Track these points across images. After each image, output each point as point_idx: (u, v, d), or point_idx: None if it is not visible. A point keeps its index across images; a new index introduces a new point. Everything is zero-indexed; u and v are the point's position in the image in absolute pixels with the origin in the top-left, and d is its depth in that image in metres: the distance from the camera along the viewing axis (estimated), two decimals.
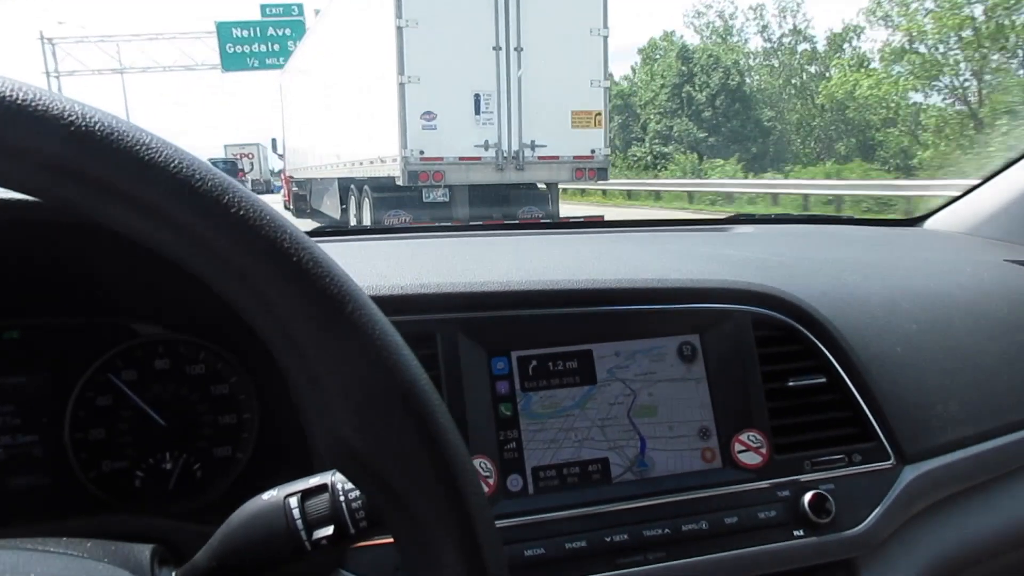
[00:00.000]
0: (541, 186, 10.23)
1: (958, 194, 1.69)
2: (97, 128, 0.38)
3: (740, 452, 0.94)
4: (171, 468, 0.86)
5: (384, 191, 10.24)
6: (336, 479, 0.53)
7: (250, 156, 41.52)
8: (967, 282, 1.25)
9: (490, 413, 0.87)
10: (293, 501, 0.53)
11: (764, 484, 0.93)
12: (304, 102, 16.02)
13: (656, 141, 35.93)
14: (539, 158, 9.37)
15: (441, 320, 0.86)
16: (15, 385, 0.81)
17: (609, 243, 1.45)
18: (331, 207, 14.22)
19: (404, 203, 9.71)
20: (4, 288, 0.78)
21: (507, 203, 9.86)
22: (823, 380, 0.99)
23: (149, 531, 0.67)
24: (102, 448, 0.85)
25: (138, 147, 0.38)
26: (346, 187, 12.45)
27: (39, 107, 0.37)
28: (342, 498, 0.53)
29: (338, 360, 0.41)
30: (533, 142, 9.32)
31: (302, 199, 18.47)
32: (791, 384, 0.97)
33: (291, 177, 19.95)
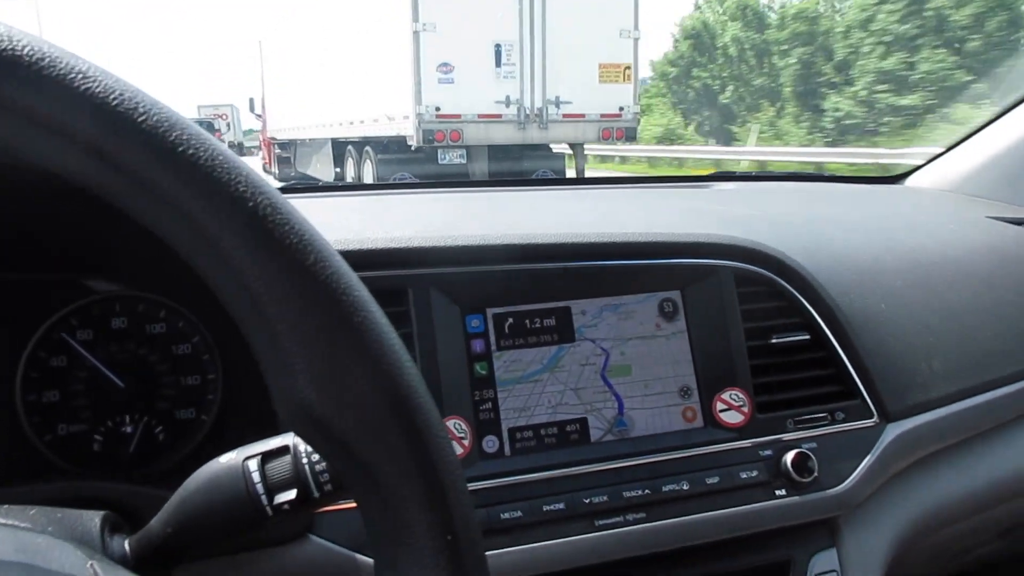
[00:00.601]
0: (558, 148, 9.40)
1: (939, 151, 1.69)
2: (26, 52, 0.34)
3: (722, 411, 0.92)
4: (132, 431, 0.82)
5: (390, 152, 9.39)
6: (298, 440, 0.50)
7: (224, 117, 40.44)
8: (950, 238, 1.25)
9: (465, 372, 0.84)
10: (253, 464, 0.50)
11: (746, 443, 0.92)
12: (291, 56, 15.02)
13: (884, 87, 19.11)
14: (563, 116, 8.57)
15: (413, 275, 0.82)
16: None
17: (591, 199, 1.45)
18: (322, 170, 13.35)
19: (413, 165, 8.86)
20: None
21: (521, 165, 9.04)
22: (807, 337, 0.97)
23: (106, 496, 0.65)
24: (57, 411, 0.80)
25: (74, 75, 0.35)
26: (342, 148, 11.56)
27: None
28: (304, 460, 0.49)
29: (298, 316, 0.38)
30: (557, 98, 8.52)
31: (286, 162, 17.71)
32: (774, 341, 0.96)
33: (273, 139, 19.04)
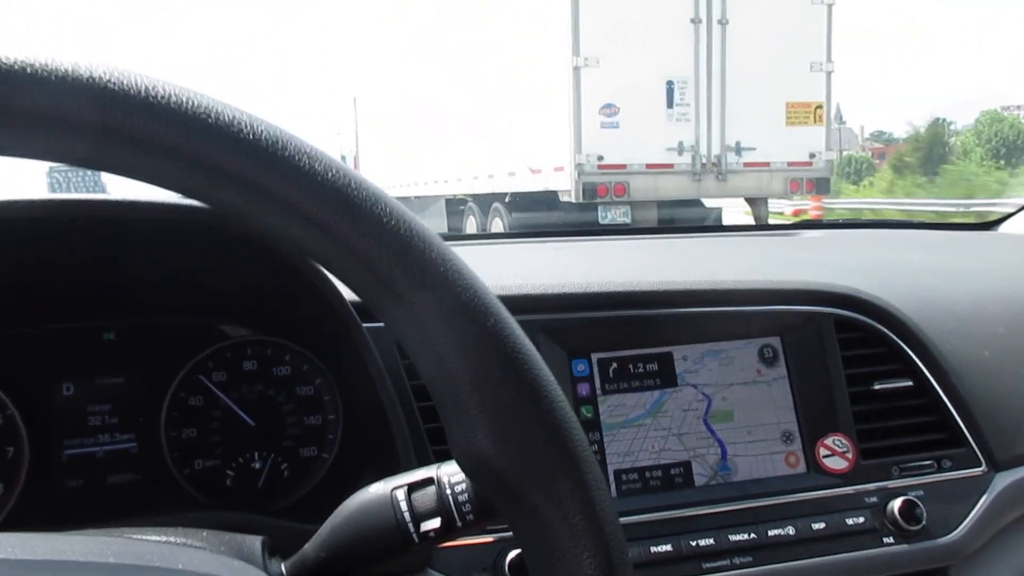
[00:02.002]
0: (712, 204, 7.95)
1: None
2: (264, 138, 0.39)
3: (825, 457, 0.92)
4: (260, 467, 0.87)
5: (526, 209, 8.10)
6: (442, 472, 0.52)
7: None
8: None
9: None
10: (400, 494, 0.53)
11: (851, 490, 0.91)
12: (395, 110, 14.09)
13: None
14: (744, 165, 7.16)
15: (522, 322, 0.66)
16: (113, 385, 0.82)
17: (685, 248, 1.52)
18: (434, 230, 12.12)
19: (559, 223, 7.53)
20: (102, 290, 0.80)
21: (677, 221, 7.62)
22: (910, 384, 0.96)
23: (238, 526, 0.64)
24: (194, 447, 0.85)
25: (300, 156, 0.39)
26: (458, 206, 10.36)
27: (213, 116, 0.38)
28: (448, 491, 0.52)
29: (480, 374, 0.41)
30: (738, 144, 7.14)
31: None
32: (876, 387, 0.95)
33: None
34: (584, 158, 6.78)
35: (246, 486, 0.87)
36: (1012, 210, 1.71)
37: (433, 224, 11.65)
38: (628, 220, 7.13)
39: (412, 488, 0.52)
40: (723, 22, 6.96)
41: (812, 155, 7.29)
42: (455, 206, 10.87)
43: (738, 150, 7.12)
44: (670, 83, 6.91)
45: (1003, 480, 0.96)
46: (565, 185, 7.02)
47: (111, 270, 0.78)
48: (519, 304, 0.81)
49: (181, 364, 0.84)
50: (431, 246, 0.41)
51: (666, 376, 0.90)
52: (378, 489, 0.53)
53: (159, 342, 0.85)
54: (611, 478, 0.87)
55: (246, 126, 0.38)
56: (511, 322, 0.42)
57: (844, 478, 0.91)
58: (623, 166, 6.90)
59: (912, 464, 0.94)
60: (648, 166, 6.96)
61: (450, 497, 0.51)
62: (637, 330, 0.91)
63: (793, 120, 7.20)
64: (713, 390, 0.91)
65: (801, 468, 0.92)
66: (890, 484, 0.92)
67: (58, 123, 0.36)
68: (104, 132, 0.36)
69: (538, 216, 8.08)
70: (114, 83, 0.36)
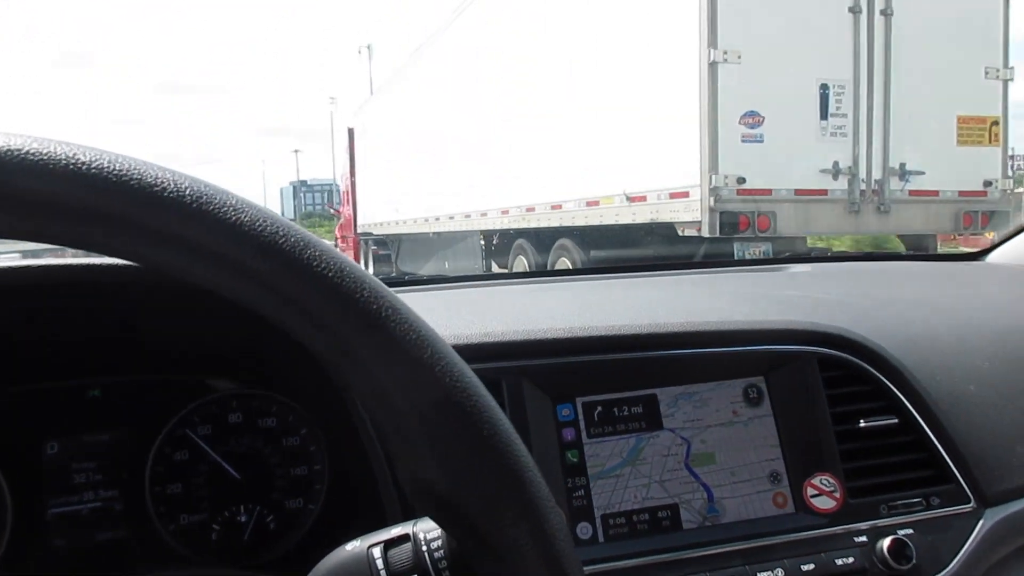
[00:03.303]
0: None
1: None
2: (188, 194, 0.39)
3: (813, 496, 0.91)
4: (246, 520, 0.87)
5: (612, 246, 6.56)
6: (418, 529, 0.53)
7: None
8: None
9: (557, 460, 0.86)
10: (376, 551, 0.53)
11: (840, 529, 0.90)
12: (410, 135, 12.55)
13: None
14: (910, 193, 5.63)
15: (506, 368, 0.86)
16: (98, 442, 0.82)
17: (669, 286, 1.54)
18: (458, 272, 10.55)
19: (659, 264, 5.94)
20: (86, 348, 0.81)
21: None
22: (895, 421, 0.96)
23: None
24: (180, 502, 0.86)
25: (226, 209, 0.40)
26: (504, 244, 8.81)
27: (139, 179, 0.39)
28: (424, 548, 0.52)
29: (423, 408, 0.42)
30: (903, 167, 5.60)
31: (384, 260, 15.29)
32: (862, 425, 0.94)
33: (366, 235, 16.64)
34: (722, 180, 5.23)
35: (232, 540, 0.86)
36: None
37: (467, 266, 10.21)
38: (770, 256, 5.56)
39: (388, 545, 0.52)
40: (887, 13, 5.51)
41: (987, 183, 5.82)
42: (499, 243, 9.27)
43: (903, 174, 5.62)
44: (824, 87, 5.41)
45: (993, 516, 0.95)
46: (689, 215, 5.46)
47: (95, 330, 0.79)
48: (502, 350, 0.86)
49: (166, 419, 0.84)
50: (363, 286, 0.42)
51: (651, 419, 0.90)
52: (355, 547, 0.54)
53: (144, 398, 0.85)
54: (598, 523, 0.86)
55: (170, 184, 0.39)
56: (449, 353, 0.43)
57: (832, 517, 0.90)
58: (768, 191, 5.36)
59: (900, 502, 0.92)
60: (797, 192, 5.43)
61: (426, 554, 0.51)
62: (621, 373, 0.91)
63: (965, 139, 5.75)
64: (692, 432, 0.90)
65: (789, 508, 0.91)
66: (879, 523, 0.91)
67: None
68: (41, 206, 0.37)
69: (629, 254, 6.52)
70: (42, 156, 0.37)
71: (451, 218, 10.59)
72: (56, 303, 0.74)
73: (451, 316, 1.00)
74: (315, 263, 0.41)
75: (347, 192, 20.02)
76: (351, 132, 19.04)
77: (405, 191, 13.36)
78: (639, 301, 1.25)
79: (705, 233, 5.30)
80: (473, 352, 0.80)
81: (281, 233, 0.41)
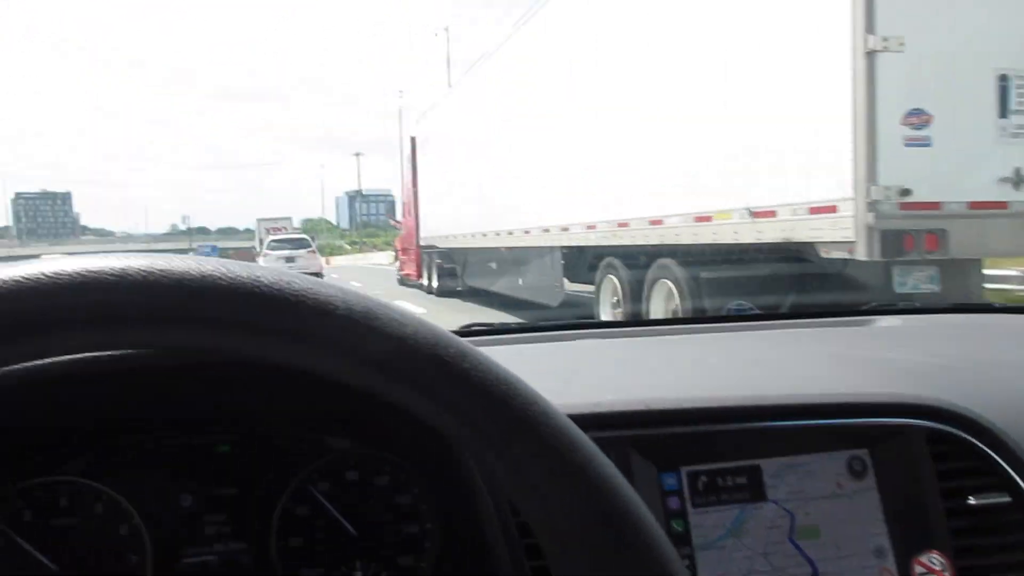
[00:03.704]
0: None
1: None
2: (358, 311, 0.43)
3: (921, 574, 0.88)
4: None
5: (723, 267, 5.72)
6: None
7: (284, 230, 43.26)
8: None
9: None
10: None
11: None
12: (479, 142, 11.89)
13: None
14: None
15: (614, 438, 0.86)
16: (227, 496, 0.86)
17: (763, 344, 1.51)
18: (533, 289, 9.82)
19: (803, 290, 5.15)
20: (216, 407, 0.86)
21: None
22: (1008, 499, 0.92)
23: None
24: (301, 556, 0.89)
25: (393, 324, 0.43)
26: (589, 262, 8.04)
27: (315, 299, 0.42)
28: None
29: (581, 516, 0.44)
30: None
31: (449, 274, 14.60)
32: (972, 502, 0.92)
33: (430, 247, 16.08)
34: (882, 192, 4.34)
35: None
36: None
37: (544, 284, 9.44)
38: (936, 288, 4.65)
39: None
40: None
41: None
42: (584, 261, 8.48)
43: None
44: (1004, 79, 4.48)
45: None
46: (837, 234, 4.58)
47: (225, 391, 0.84)
48: (608, 421, 0.88)
49: (290, 475, 0.87)
50: (518, 395, 0.45)
51: (755, 489, 0.89)
52: None
53: (269, 454, 0.88)
54: None
55: (340, 302, 0.43)
56: (599, 456, 0.46)
57: None
58: (936, 205, 4.45)
59: None
60: (971, 205, 4.51)
61: None
62: (725, 443, 0.92)
63: None
64: (796, 505, 0.90)
65: None
66: None
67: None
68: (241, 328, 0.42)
69: (748, 275, 5.66)
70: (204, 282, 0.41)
71: (526, 232, 9.85)
72: (189, 371, 0.78)
73: (556, 381, 0.99)
74: (473, 372, 0.44)
75: (408, 203, 19.52)
76: (413, 141, 18.52)
77: (473, 202, 12.72)
78: (739, 363, 1.28)
79: (860, 256, 4.42)
80: (585, 423, 0.69)
81: (442, 344, 0.44)
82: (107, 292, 0.40)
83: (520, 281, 10.60)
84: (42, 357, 0.42)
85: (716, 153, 5.67)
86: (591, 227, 7.89)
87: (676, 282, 6.28)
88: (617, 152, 7.19)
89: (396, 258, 21.98)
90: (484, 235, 11.99)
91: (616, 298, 7.48)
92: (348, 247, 76.42)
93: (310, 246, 25.80)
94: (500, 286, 11.48)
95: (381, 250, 49.16)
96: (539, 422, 0.44)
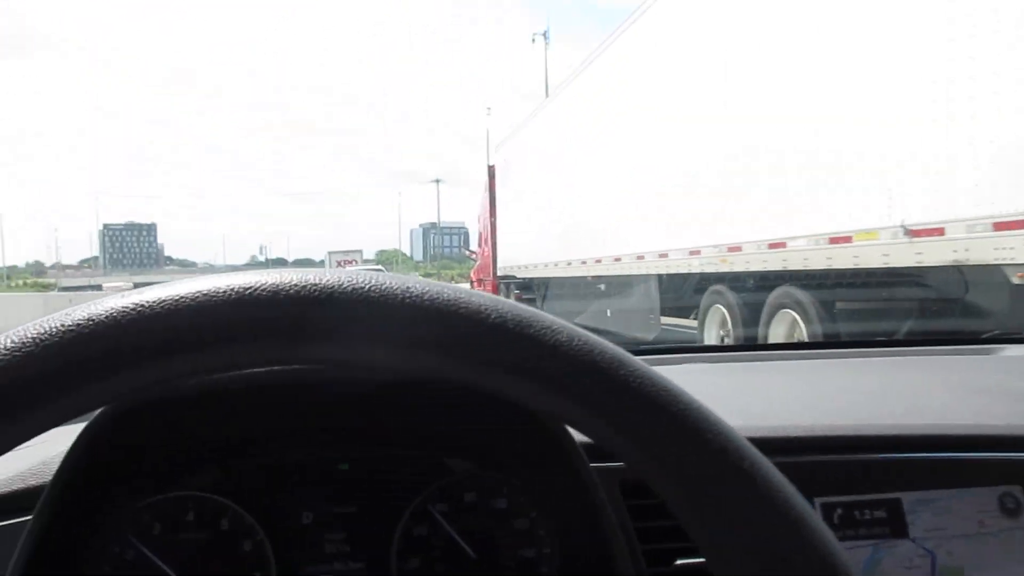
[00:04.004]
0: None
1: None
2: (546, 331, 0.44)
3: None
4: None
5: (864, 295, 4.91)
6: None
7: (354, 262, 44.77)
8: None
9: None
10: None
11: None
12: (563, 166, 11.28)
13: None
14: None
15: None
16: (347, 514, 0.86)
17: (893, 371, 1.49)
18: (623, 321, 9.07)
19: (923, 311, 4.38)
20: (338, 424, 0.87)
21: None
22: None
23: None
24: None
25: (579, 346, 0.44)
26: (699, 288, 7.27)
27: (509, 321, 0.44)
28: None
29: (745, 516, 0.43)
30: None
31: (530, 304, 13.73)
32: None
33: (509, 278, 15.89)
34: None
35: None
36: None
37: (638, 315, 8.69)
38: None
39: None
40: None
41: None
42: (685, 289, 7.70)
43: None
44: None
45: None
46: None
47: (347, 409, 0.85)
48: None
49: (409, 495, 0.87)
50: (679, 401, 0.44)
51: (893, 525, 0.86)
52: None
53: (388, 474, 0.88)
54: None
55: (537, 325, 0.44)
56: (784, 483, 0.45)
57: None
58: None
59: None
60: None
61: None
62: (862, 474, 0.89)
63: None
64: (936, 543, 0.86)
65: None
66: None
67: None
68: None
69: (898, 305, 4.81)
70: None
71: (616, 260, 9.13)
72: (318, 392, 0.81)
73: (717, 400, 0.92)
74: (632, 379, 0.44)
75: (484, 233, 19.09)
76: (491, 169, 18.12)
77: (555, 230, 12.10)
78: (867, 390, 1.25)
79: None
80: None
81: (597, 351, 0.44)
82: (304, 306, 0.41)
83: (608, 312, 9.87)
84: (222, 372, 0.43)
85: (857, 163, 4.85)
86: (694, 252, 7.12)
87: (802, 311, 5.46)
88: (727, 167, 6.41)
89: (471, 288, 21.66)
90: (568, 264, 11.33)
91: (726, 330, 6.68)
92: (422, 278, 77.18)
93: None
94: (584, 318, 10.75)
95: (456, 282, 49.22)
96: (703, 427, 0.44)
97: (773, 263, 5.88)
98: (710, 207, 6.75)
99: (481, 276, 19.55)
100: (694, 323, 7.81)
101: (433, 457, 0.89)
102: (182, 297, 0.40)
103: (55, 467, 0.74)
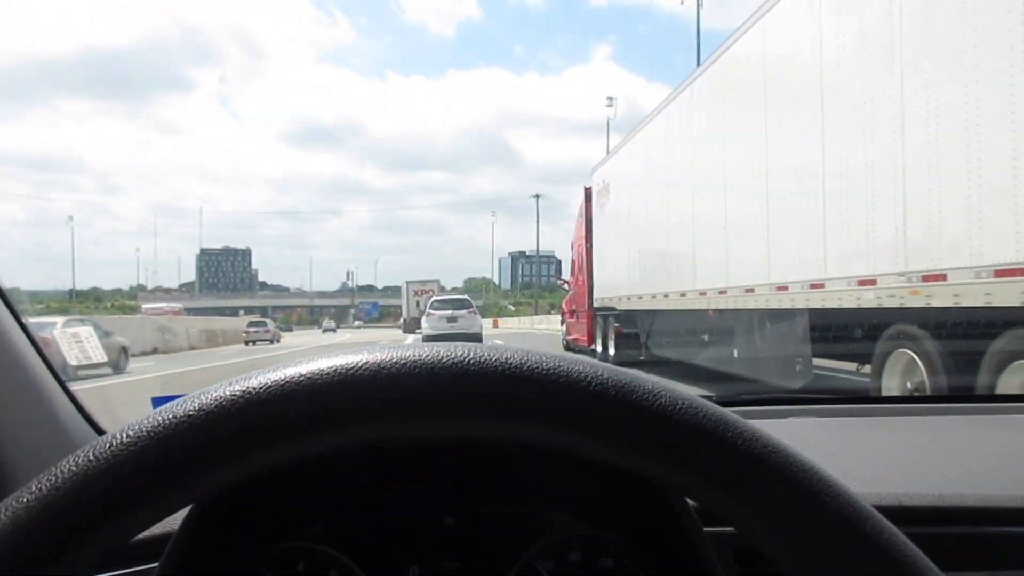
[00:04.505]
0: None
1: None
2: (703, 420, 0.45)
3: None
4: None
5: None
6: None
7: (431, 292, 43.87)
8: None
9: None
10: None
11: None
12: (676, 184, 9.94)
13: None
14: None
15: None
16: (452, 570, 0.86)
17: (995, 430, 1.40)
18: (758, 363, 7.54)
19: None
20: (443, 479, 0.87)
21: None
22: None
23: None
24: None
25: (736, 436, 0.44)
26: (876, 327, 5.73)
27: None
28: None
29: None
30: None
31: (630, 341, 12.86)
32: None
33: (607, 310, 14.47)
34: None
35: None
36: None
37: (774, 360, 7.13)
38: None
39: None
40: None
41: None
42: (849, 329, 6.15)
43: None
44: None
45: None
46: None
47: (456, 467, 0.85)
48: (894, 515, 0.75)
49: (515, 552, 0.86)
50: (792, 463, 0.43)
51: None
52: None
53: (493, 530, 0.88)
54: None
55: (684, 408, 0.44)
56: (893, 530, 0.43)
57: None
58: None
59: None
60: None
61: None
62: (992, 549, 0.86)
63: None
64: None
65: None
66: None
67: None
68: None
69: None
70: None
71: (748, 291, 7.62)
72: (426, 448, 0.81)
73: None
74: (757, 450, 0.44)
75: (579, 260, 17.74)
76: (587, 192, 16.78)
77: (664, 255, 10.66)
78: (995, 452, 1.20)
79: None
80: None
81: (747, 436, 0.44)
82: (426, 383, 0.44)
83: (735, 353, 8.33)
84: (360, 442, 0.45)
85: None
86: (866, 282, 5.57)
87: None
88: (932, 158, 4.90)
89: (562, 321, 20.32)
90: (680, 295, 9.85)
91: (915, 379, 5.11)
92: (512, 308, 76.36)
93: (471, 306, 25.16)
94: (704, 358, 9.24)
95: (547, 312, 48.19)
96: (821, 491, 0.43)
97: (1001, 297, 4.31)
98: (893, 223, 5.22)
99: (574, 307, 18.16)
100: (852, 366, 6.30)
101: (538, 513, 0.89)
102: (412, 362, 0.44)
103: (181, 516, 0.76)
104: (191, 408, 0.42)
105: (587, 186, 16.88)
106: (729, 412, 0.45)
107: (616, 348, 13.03)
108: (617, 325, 13.30)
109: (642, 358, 11.93)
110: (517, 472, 0.86)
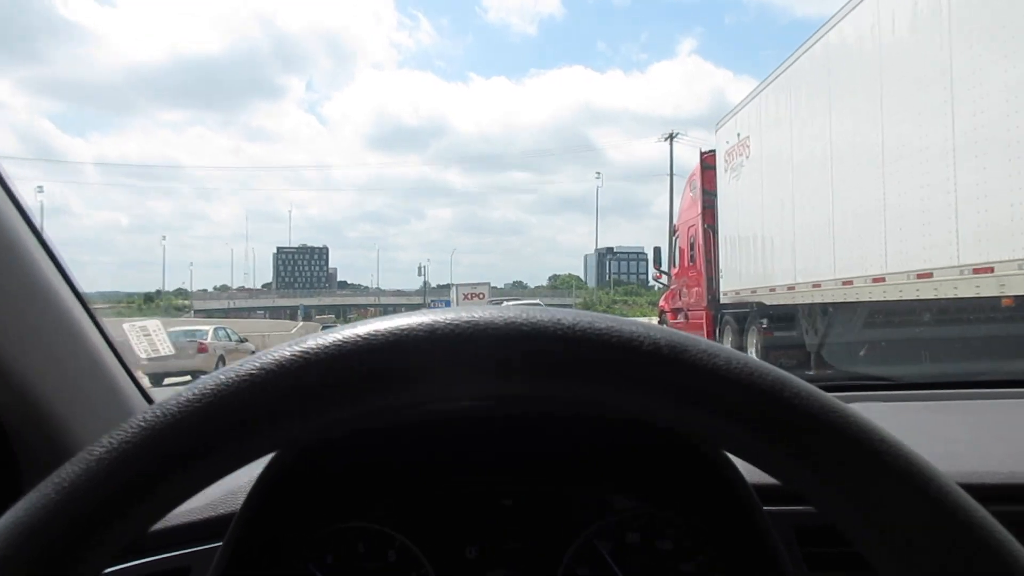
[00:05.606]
0: None
1: None
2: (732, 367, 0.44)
3: None
4: None
5: None
6: None
7: (481, 296, 43.90)
8: None
9: None
10: None
11: None
12: (859, 140, 7.14)
13: None
14: None
15: None
16: (510, 550, 0.87)
17: None
18: None
19: None
20: (503, 458, 0.89)
21: None
22: None
23: None
24: None
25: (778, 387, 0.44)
26: None
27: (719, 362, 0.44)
28: None
29: (953, 563, 0.41)
30: None
31: (788, 349, 10.09)
32: None
33: (731, 305, 12.15)
34: None
35: None
36: None
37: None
38: None
39: None
40: None
41: None
42: None
43: None
44: None
45: None
46: None
47: (516, 444, 0.87)
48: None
49: (572, 533, 0.88)
50: (873, 434, 0.43)
51: None
52: None
53: (551, 510, 0.89)
54: None
55: (721, 358, 0.44)
56: (983, 511, 0.42)
57: None
58: None
59: None
60: None
61: None
62: None
63: None
64: None
65: None
66: None
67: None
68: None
69: None
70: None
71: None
72: (487, 425, 0.85)
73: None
74: (826, 414, 0.43)
75: (687, 247, 14.81)
76: (704, 160, 13.85)
77: (848, 232, 7.85)
78: None
79: None
80: None
81: (804, 394, 0.43)
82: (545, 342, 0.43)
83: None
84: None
85: None
86: None
87: None
88: None
89: (660, 321, 16.54)
90: (869, 281, 7.03)
91: None
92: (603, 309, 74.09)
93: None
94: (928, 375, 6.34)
95: (644, 313, 45.51)
96: (903, 464, 0.42)
97: None
98: None
99: (679, 304, 15.18)
100: None
101: (596, 494, 0.89)
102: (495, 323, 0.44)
103: (242, 497, 0.80)
104: (293, 352, 0.43)
105: (704, 151, 13.99)
106: (836, 399, 0.43)
107: (763, 359, 10.18)
108: (764, 325, 10.47)
109: (811, 373, 9.01)
110: (576, 453, 0.87)
